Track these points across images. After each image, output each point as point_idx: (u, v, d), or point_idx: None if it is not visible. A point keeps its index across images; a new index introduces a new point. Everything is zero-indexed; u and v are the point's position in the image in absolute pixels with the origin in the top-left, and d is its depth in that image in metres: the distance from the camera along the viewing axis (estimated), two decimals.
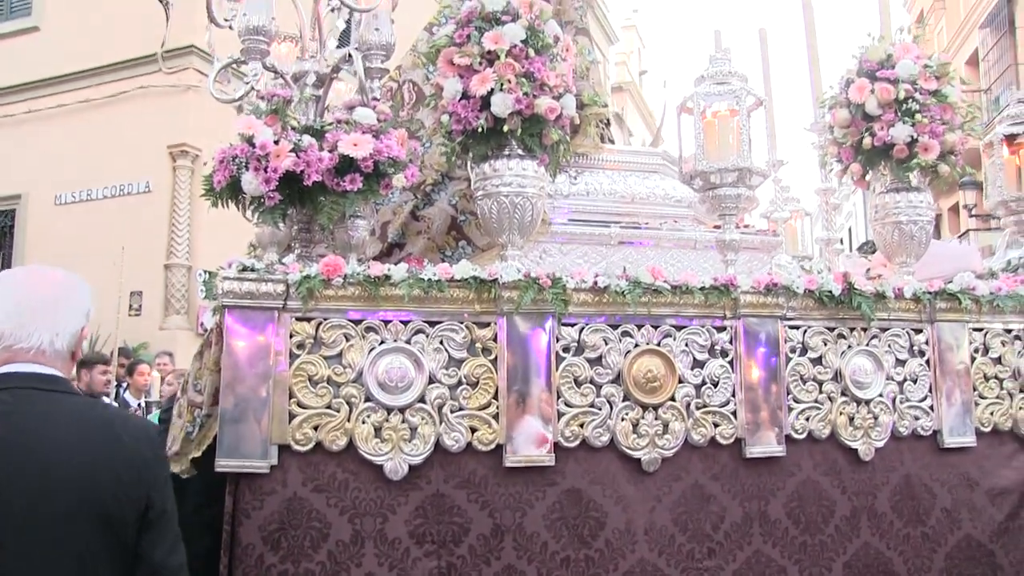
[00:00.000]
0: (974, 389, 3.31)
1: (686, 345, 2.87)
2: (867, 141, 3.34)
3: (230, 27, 3.49)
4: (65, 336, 1.77)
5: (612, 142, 4.30)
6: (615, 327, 2.80)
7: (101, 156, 10.44)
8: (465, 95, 2.75)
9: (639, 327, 2.82)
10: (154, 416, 5.56)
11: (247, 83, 3.14)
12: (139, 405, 6.35)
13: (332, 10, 3.52)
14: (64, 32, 11.27)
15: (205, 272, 9.96)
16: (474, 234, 3.51)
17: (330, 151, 2.64)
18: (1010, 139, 4.16)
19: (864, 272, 3.97)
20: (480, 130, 2.72)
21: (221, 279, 2.50)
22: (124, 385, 6.80)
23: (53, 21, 11.56)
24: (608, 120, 4.09)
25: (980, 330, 3.39)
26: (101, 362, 5.85)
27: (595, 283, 2.70)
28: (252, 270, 2.51)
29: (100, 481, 1.64)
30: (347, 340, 2.56)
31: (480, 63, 2.74)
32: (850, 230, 30.52)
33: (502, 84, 2.68)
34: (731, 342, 2.93)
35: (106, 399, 5.56)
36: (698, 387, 2.87)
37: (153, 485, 1.72)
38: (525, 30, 2.77)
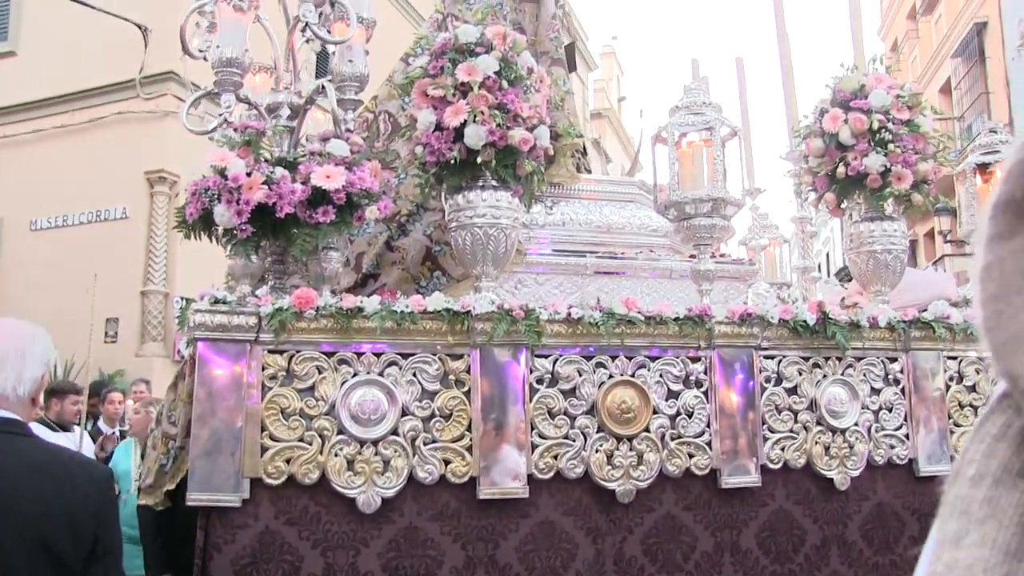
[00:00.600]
0: (949, 417, 3.32)
1: (660, 376, 2.87)
2: (841, 170, 3.37)
3: (204, 58, 3.51)
4: (27, 383, 1.90)
5: (588, 171, 4.32)
6: (589, 358, 2.79)
7: (78, 182, 10.35)
8: (439, 126, 2.75)
9: (613, 358, 2.82)
10: (127, 444, 5.48)
11: (220, 115, 3.13)
12: (114, 433, 6.24)
13: (306, 41, 3.53)
14: (41, 57, 11.21)
15: (182, 299, 9.87)
16: (449, 264, 3.50)
17: (303, 183, 2.62)
18: (982, 168, 4.20)
19: (840, 301, 3.99)
20: (454, 161, 2.72)
21: (193, 312, 2.48)
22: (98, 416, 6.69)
23: (30, 46, 11.50)
24: (584, 149, 4.11)
25: (954, 358, 3.41)
26: (72, 392, 5.75)
27: (569, 314, 2.70)
28: (224, 303, 2.49)
29: (52, 519, 1.73)
30: (320, 372, 2.54)
31: (454, 95, 2.74)
32: (827, 256, 30.80)
33: (475, 116, 2.69)
34: (706, 372, 2.93)
35: (76, 428, 5.47)
36: (673, 418, 2.86)
37: (101, 523, 1.83)
38: (498, 62, 2.78)
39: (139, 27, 10.49)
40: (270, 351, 2.52)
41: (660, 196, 3.32)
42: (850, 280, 4.92)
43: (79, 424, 5.53)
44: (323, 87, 3.03)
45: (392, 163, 3.79)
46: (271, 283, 2.86)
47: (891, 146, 3.31)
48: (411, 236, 3.55)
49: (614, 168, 26.60)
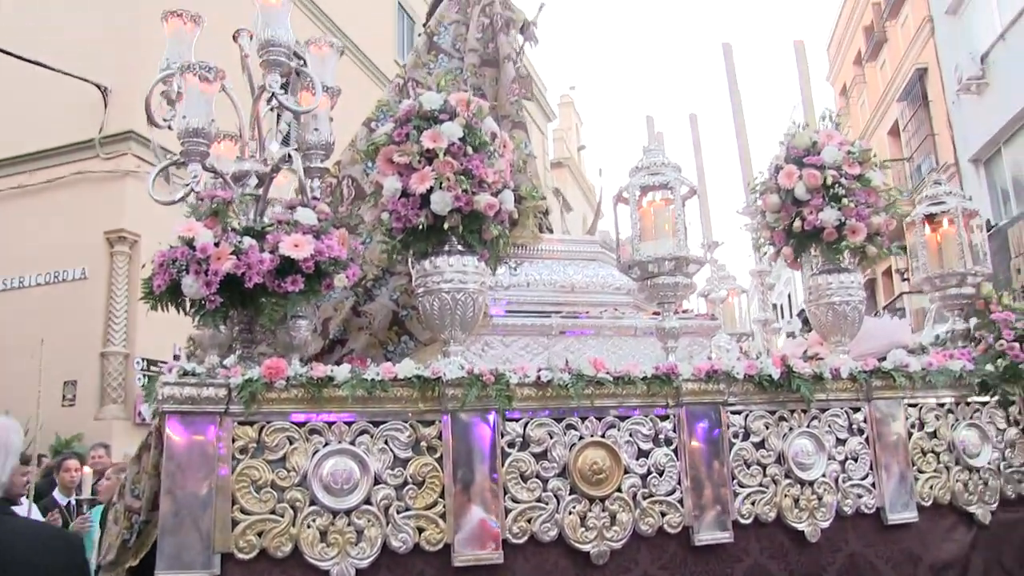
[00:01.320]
0: (912, 464, 3.38)
1: (630, 435, 2.89)
2: (797, 225, 3.47)
3: (169, 127, 3.53)
4: (7, 470, 2.25)
5: (551, 231, 4.38)
6: (559, 420, 2.81)
7: (36, 243, 10.25)
8: (405, 193, 2.79)
9: (583, 419, 2.84)
10: (97, 511, 5.34)
11: (187, 184, 3.14)
12: (70, 503, 6.06)
13: (271, 109, 3.57)
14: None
15: (143, 360, 9.76)
16: (416, 329, 3.52)
17: (271, 252, 2.63)
18: (930, 218, 4.33)
19: (801, 352, 4.06)
20: (421, 227, 2.75)
21: (161, 384, 2.46)
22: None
23: None
24: (547, 210, 4.18)
25: (915, 405, 3.48)
26: (20, 462, 5.59)
27: (538, 377, 2.72)
28: (193, 374, 2.47)
29: None
30: (291, 443, 2.52)
31: (419, 161, 2.78)
32: (789, 296, 31.26)
33: (441, 182, 2.72)
34: (675, 430, 2.96)
35: (24, 500, 5.31)
36: (644, 477, 2.88)
37: None
38: (463, 128, 2.83)
39: (99, 87, 10.51)
40: (240, 423, 2.50)
41: (622, 255, 3.37)
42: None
43: (26, 495, 5.36)
44: (290, 156, 3.06)
45: (356, 228, 3.81)
46: (239, 352, 2.83)
47: (845, 200, 3.41)
48: (377, 301, 3.56)
49: (575, 217, 26.88)
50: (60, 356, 9.27)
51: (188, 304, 2.69)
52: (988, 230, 13.70)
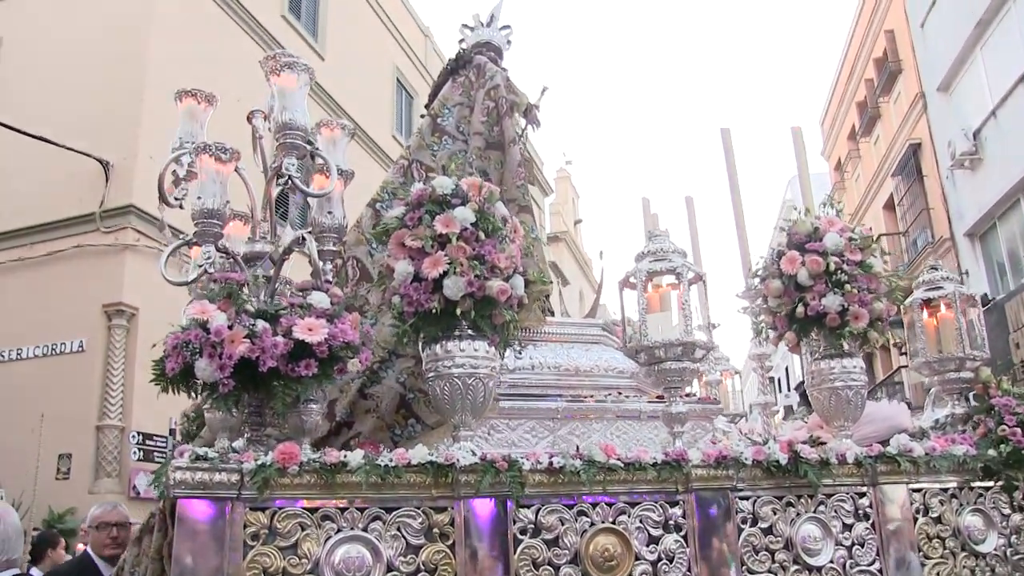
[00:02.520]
0: (919, 550, 3.36)
1: (640, 522, 2.88)
2: (800, 310, 3.51)
3: (180, 206, 3.56)
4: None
5: (552, 313, 4.41)
6: (570, 507, 2.80)
7: (34, 315, 10.26)
8: (417, 277, 2.81)
9: (594, 505, 2.83)
10: None
11: (200, 265, 3.15)
12: None
13: (282, 190, 3.60)
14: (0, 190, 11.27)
15: (139, 434, 9.67)
16: (423, 412, 3.51)
17: (284, 335, 2.64)
18: (927, 303, 4.39)
19: (802, 435, 4.07)
20: (433, 312, 2.77)
21: (173, 469, 2.44)
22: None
23: None
24: (548, 294, 4.22)
25: (919, 490, 3.48)
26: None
27: (550, 464, 2.72)
28: (205, 459, 2.46)
29: None
30: (303, 529, 2.50)
31: (432, 246, 2.81)
32: (786, 369, 31.23)
33: (455, 267, 2.76)
34: (684, 516, 2.95)
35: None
36: (654, 563, 2.86)
37: None
38: (475, 213, 2.87)
39: (100, 162, 10.65)
40: (252, 508, 2.48)
41: (629, 341, 3.40)
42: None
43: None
44: (303, 238, 3.09)
45: (362, 309, 3.83)
46: (247, 435, 2.81)
47: (847, 286, 3.46)
48: (384, 383, 3.54)
49: (571, 291, 27.01)
50: (55, 429, 9.19)
51: (200, 387, 2.69)
52: (985, 305, 13.82)
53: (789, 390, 30.09)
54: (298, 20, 15.22)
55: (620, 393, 3.93)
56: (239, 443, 2.73)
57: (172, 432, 8.64)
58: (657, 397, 3.93)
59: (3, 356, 10.57)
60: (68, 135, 10.54)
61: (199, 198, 3.10)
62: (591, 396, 3.85)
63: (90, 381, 9.83)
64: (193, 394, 2.81)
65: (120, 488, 9.64)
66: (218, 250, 3.14)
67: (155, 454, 9.77)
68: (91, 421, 9.72)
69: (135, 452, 9.65)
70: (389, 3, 19.39)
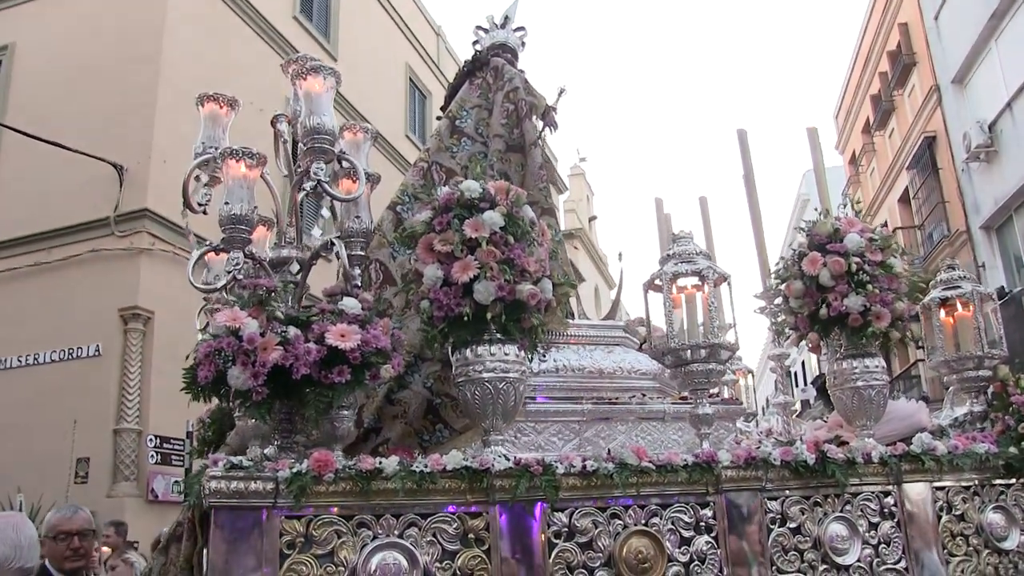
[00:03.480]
0: (944, 547, 3.38)
1: (672, 523, 2.89)
2: (823, 311, 3.52)
3: (204, 212, 3.55)
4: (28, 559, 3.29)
5: (574, 315, 4.42)
6: (603, 509, 2.81)
7: (51, 320, 10.31)
8: (446, 282, 2.81)
9: (626, 508, 2.84)
10: None
11: (229, 272, 3.15)
12: None
13: (306, 195, 3.60)
14: (16, 196, 11.32)
15: (156, 437, 9.72)
16: (451, 416, 3.50)
17: (316, 342, 2.64)
18: (944, 302, 4.40)
19: (826, 435, 4.08)
20: (464, 316, 2.77)
21: (208, 478, 2.44)
22: None
23: (4, 186, 11.63)
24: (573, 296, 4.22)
25: (942, 488, 3.49)
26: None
27: (584, 467, 2.73)
28: (240, 467, 2.47)
29: None
30: (339, 537, 2.51)
31: (461, 250, 2.82)
32: (803, 363, 31.15)
33: (485, 272, 2.76)
34: (715, 518, 2.96)
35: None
36: (687, 565, 2.87)
37: None
38: (503, 217, 2.88)
39: (114, 166, 10.71)
40: (287, 517, 2.49)
41: (655, 344, 3.41)
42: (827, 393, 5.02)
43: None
44: (332, 243, 3.10)
45: (386, 312, 3.82)
46: (277, 443, 2.80)
47: (869, 287, 3.47)
48: (411, 388, 3.53)
49: (586, 288, 26.96)
50: (74, 432, 9.26)
51: (233, 395, 2.68)
52: (1002, 298, 13.75)
53: (806, 384, 30.00)
54: (310, 21, 15.27)
55: (643, 395, 3.94)
56: (270, 451, 2.75)
57: (189, 435, 8.67)
58: (682, 398, 3.95)
59: (20, 361, 10.62)
60: (82, 140, 10.60)
61: (227, 203, 3.08)
62: (615, 398, 3.86)
63: (107, 385, 9.88)
64: (209, 400, 2.81)
65: (138, 491, 9.70)
66: (246, 256, 3.14)
67: (172, 457, 9.82)
68: (108, 425, 9.76)
69: (152, 455, 9.70)
70: (401, 2, 19.42)
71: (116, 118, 10.96)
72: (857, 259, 3.51)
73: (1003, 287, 14.63)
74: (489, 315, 2.78)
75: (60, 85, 11.63)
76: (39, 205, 10.99)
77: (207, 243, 3.44)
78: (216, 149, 3.44)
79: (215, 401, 3.08)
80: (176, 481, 9.76)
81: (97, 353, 10.08)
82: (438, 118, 5.35)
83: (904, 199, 20.73)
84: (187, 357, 2.82)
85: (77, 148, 10.52)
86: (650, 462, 2.82)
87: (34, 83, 11.93)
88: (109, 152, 10.67)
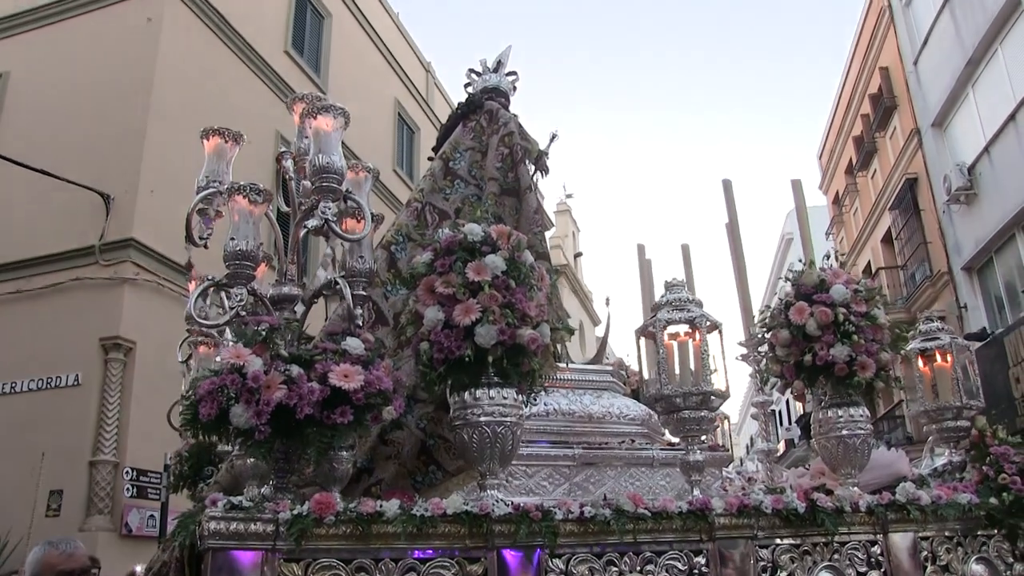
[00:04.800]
0: None
1: (666, 571, 2.91)
2: (808, 360, 3.59)
3: (205, 247, 3.56)
4: None
5: (562, 359, 4.45)
6: (599, 556, 2.83)
7: (31, 348, 10.18)
8: (447, 324, 2.84)
9: (622, 555, 2.86)
10: None
11: (232, 308, 3.17)
12: None
13: (307, 232, 3.61)
14: (1, 223, 11.24)
15: (132, 470, 9.58)
16: (444, 458, 3.50)
17: (319, 381, 2.64)
18: (923, 353, 4.49)
19: (809, 482, 4.13)
20: (467, 359, 2.79)
21: (207, 518, 2.43)
22: None
23: None
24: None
25: (926, 538, 3.54)
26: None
27: (582, 513, 2.75)
28: (240, 508, 2.46)
29: None
30: None
31: (464, 293, 2.84)
32: (787, 403, 31.27)
33: (488, 316, 2.79)
34: (708, 565, 2.99)
35: None
36: None
37: None
38: (505, 261, 2.91)
39: (102, 195, 10.68)
40: (285, 560, 2.48)
41: (646, 390, 3.45)
42: (807, 428, 5.05)
43: None
44: (336, 282, 3.13)
45: (378, 352, 3.83)
46: (274, 483, 2.78)
47: (854, 337, 3.55)
48: (405, 429, 3.53)
49: (571, 324, 26.88)
50: (47, 464, 9.11)
51: (234, 434, 2.67)
52: (984, 339, 13.94)
53: (790, 424, 30.10)
54: (301, 56, 15.39)
55: (632, 440, 3.99)
56: (266, 491, 2.73)
57: (167, 468, 8.57)
58: (668, 444, 4.00)
59: None
60: (71, 168, 10.58)
61: (232, 239, 3.08)
62: (604, 443, 3.90)
63: (85, 415, 9.74)
64: (209, 437, 2.79)
65: (112, 525, 9.52)
66: (250, 293, 3.14)
67: (149, 491, 9.67)
68: (84, 456, 9.60)
69: (128, 488, 9.53)
70: (390, 38, 19.61)
71: (105, 147, 10.96)
72: (843, 309, 3.59)
73: (985, 328, 14.85)
74: (490, 358, 2.81)
75: (51, 114, 11.64)
76: (24, 232, 10.92)
77: (210, 278, 3.45)
78: (219, 183, 3.48)
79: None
80: (152, 515, 9.61)
81: (76, 383, 9.95)
82: (429, 158, 5.39)
83: (887, 239, 21.01)
84: (188, 393, 2.81)
85: (65, 176, 10.49)
86: (646, 509, 2.85)
87: (26, 111, 11.93)
88: (97, 181, 10.66)
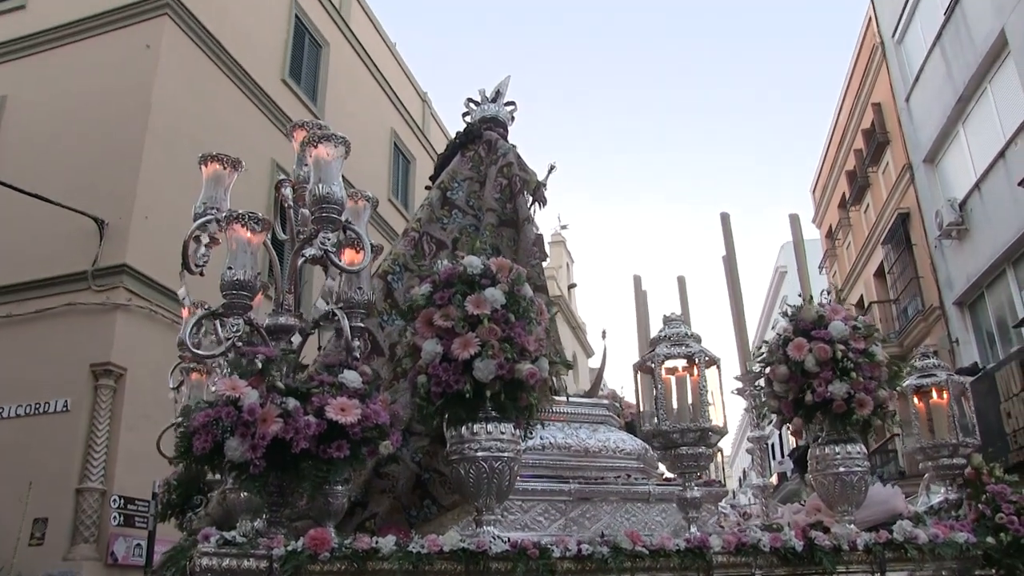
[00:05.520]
0: None
1: None
2: (808, 397, 3.58)
3: (201, 273, 3.52)
4: None
5: (557, 392, 4.43)
6: None
7: (19, 373, 10.07)
8: (446, 357, 2.81)
9: None
10: None
11: (228, 338, 3.14)
12: None
13: (305, 261, 3.58)
14: None
15: (120, 498, 9.46)
16: (439, 492, 3.46)
17: (315, 415, 2.61)
18: (919, 390, 4.48)
19: (805, 518, 4.10)
20: (463, 393, 2.76)
21: (199, 555, 2.39)
22: None
23: None
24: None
25: None
26: None
27: (579, 551, 2.72)
28: (233, 544, 2.43)
29: None
30: None
31: (463, 326, 2.82)
32: (780, 435, 31.18)
33: (487, 350, 2.76)
34: None
35: None
36: None
37: None
38: (505, 295, 2.89)
39: (96, 220, 10.66)
40: None
41: (644, 426, 3.42)
42: (803, 463, 5.02)
43: None
44: (334, 314, 3.10)
45: (375, 383, 3.80)
46: (267, 517, 2.74)
47: (853, 374, 3.54)
48: (400, 463, 3.50)
49: (565, 355, 26.87)
50: (33, 491, 8.99)
51: (228, 467, 2.63)
52: (975, 374, 13.95)
53: (783, 457, 29.99)
54: (298, 84, 15.46)
55: (628, 475, 3.96)
56: (259, 525, 2.69)
57: (155, 496, 8.46)
58: (664, 479, 3.97)
59: None
60: (66, 193, 10.56)
61: (229, 268, 3.04)
62: (600, 477, 3.87)
63: (73, 442, 9.61)
64: (201, 468, 2.75)
65: (98, 555, 9.36)
66: (246, 323, 3.11)
67: (136, 519, 9.54)
68: (71, 484, 9.46)
69: (115, 517, 9.41)
70: (388, 68, 19.73)
71: (100, 172, 10.95)
72: (842, 346, 3.58)
73: (976, 363, 14.86)
74: (488, 393, 2.78)
75: (48, 138, 11.63)
76: (17, 256, 10.87)
77: (206, 306, 3.42)
78: (217, 210, 3.45)
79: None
80: (139, 544, 9.48)
81: (65, 408, 9.83)
82: (427, 187, 5.40)
83: (879, 274, 21.12)
84: (180, 421, 2.77)
85: (60, 201, 10.47)
86: (644, 547, 2.82)
87: (22, 135, 11.91)
88: (91, 206, 10.64)
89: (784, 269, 30.32)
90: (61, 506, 9.34)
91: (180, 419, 3.00)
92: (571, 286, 34.11)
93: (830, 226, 25.80)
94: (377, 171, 18.18)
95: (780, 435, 30.65)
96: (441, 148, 6.04)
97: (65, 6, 12.65)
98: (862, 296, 22.22)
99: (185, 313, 4.66)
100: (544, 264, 4.66)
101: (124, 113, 11.36)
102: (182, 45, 12.41)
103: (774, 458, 30.83)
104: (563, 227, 34.16)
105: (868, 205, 21.80)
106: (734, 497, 6.37)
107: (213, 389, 2.83)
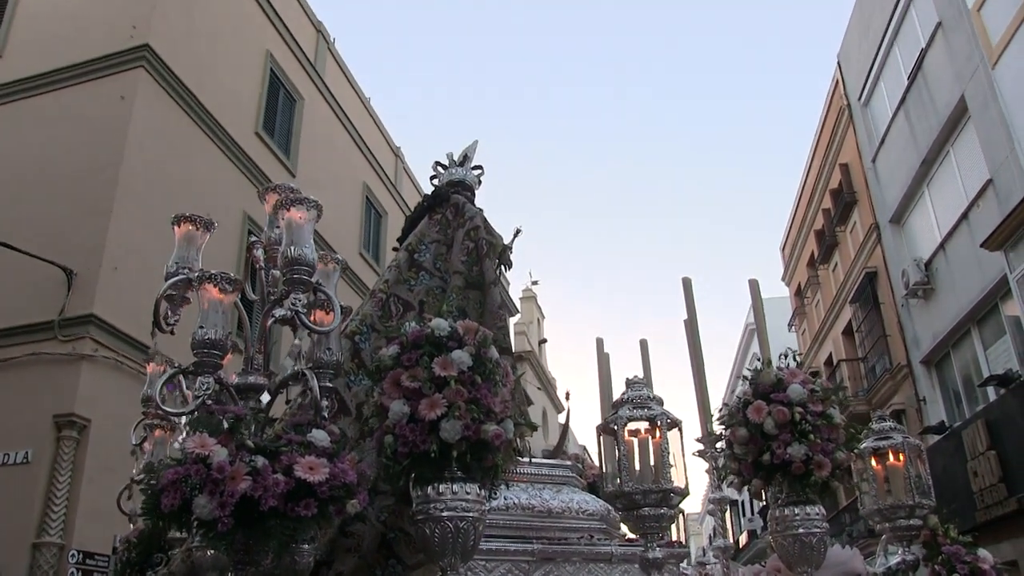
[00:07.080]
0: None
1: None
2: (767, 458, 3.67)
3: (172, 332, 3.57)
4: None
5: (521, 453, 4.49)
6: None
7: None
8: (413, 418, 2.86)
9: None
10: None
11: (198, 396, 3.17)
12: None
13: (275, 321, 3.65)
14: None
15: (79, 553, 9.25)
16: (404, 552, 3.48)
17: (284, 473, 2.66)
18: (875, 452, 4.60)
19: None
20: (433, 454, 2.80)
21: None
22: None
23: None
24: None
25: None
26: None
27: None
28: None
29: None
30: None
31: (430, 387, 2.87)
32: (748, 491, 31.11)
33: (454, 411, 2.81)
34: None
35: None
36: None
37: None
38: (472, 357, 2.95)
39: (64, 269, 10.61)
40: None
41: (606, 487, 3.48)
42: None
43: None
44: (303, 373, 3.15)
45: (343, 444, 3.82)
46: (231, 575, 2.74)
47: (811, 436, 3.64)
48: (366, 522, 3.49)
49: (534, 411, 26.88)
50: None
51: (195, 525, 2.65)
52: (942, 432, 14.09)
53: (753, 514, 29.92)
54: (271, 137, 15.57)
55: (591, 536, 4.01)
56: None
57: (115, 551, 8.30)
58: (627, 539, 4.02)
59: None
60: (34, 242, 10.51)
61: (201, 327, 3.09)
62: (563, 538, 3.92)
63: (31, 495, 9.41)
64: (170, 526, 2.76)
65: None
66: (217, 382, 3.16)
67: (95, 574, 9.33)
68: (27, 538, 9.24)
69: (73, 572, 9.18)
70: (361, 122, 19.93)
71: (71, 222, 10.93)
72: (800, 409, 3.68)
73: (943, 421, 15.05)
74: (454, 453, 2.83)
75: (18, 186, 11.60)
76: None
77: (178, 364, 3.45)
78: (189, 270, 3.51)
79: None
80: None
81: (26, 460, 9.63)
82: (395, 249, 5.49)
83: (848, 332, 21.41)
84: (142, 478, 2.78)
85: (28, 250, 10.42)
86: None
87: None
88: (60, 255, 10.59)
89: (754, 327, 30.62)
90: (15, 561, 9.09)
91: (142, 476, 3.00)
92: (542, 341, 34.24)
93: (799, 284, 26.17)
94: (349, 225, 18.26)
95: (749, 492, 30.65)
96: (413, 203, 6.15)
97: (41, 57, 12.71)
98: (831, 354, 22.49)
99: (150, 368, 4.69)
100: (515, 319, 4.75)
101: (96, 163, 11.38)
102: (156, 96, 12.49)
103: (744, 516, 30.77)
104: (534, 283, 34.50)
105: (836, 264, 22.19)
106: (704, 555, 6.38)
107: (178, 446, 2.85)
